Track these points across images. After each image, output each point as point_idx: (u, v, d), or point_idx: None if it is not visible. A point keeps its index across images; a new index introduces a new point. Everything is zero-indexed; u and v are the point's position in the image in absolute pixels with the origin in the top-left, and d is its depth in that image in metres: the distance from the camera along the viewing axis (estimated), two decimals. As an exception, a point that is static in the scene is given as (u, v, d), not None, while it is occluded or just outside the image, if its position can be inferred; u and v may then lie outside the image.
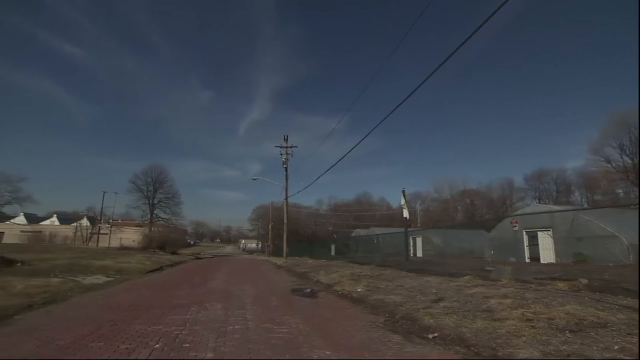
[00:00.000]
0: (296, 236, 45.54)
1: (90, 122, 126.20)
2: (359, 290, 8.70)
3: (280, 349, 3.95)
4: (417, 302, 6.52)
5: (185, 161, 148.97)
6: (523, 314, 4.90)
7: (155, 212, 52.74)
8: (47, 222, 63.84)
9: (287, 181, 30.45)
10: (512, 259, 21.18)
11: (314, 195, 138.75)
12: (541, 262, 20.50)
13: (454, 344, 4.10)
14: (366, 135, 12.91)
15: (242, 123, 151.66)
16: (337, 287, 9.67)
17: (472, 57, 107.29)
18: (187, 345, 4.03)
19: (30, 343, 3.96)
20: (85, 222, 58.04)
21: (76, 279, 9.92)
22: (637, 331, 3.83)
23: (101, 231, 53.89)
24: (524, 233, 22.65)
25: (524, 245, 22.39)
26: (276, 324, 5.25)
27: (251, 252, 65.46)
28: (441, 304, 6.07)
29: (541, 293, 6.35)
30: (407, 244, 17.91)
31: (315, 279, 12.32)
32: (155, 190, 52.82)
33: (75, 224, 58.12)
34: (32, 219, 63.37)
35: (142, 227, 51.84)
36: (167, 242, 39.05)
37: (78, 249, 32.66)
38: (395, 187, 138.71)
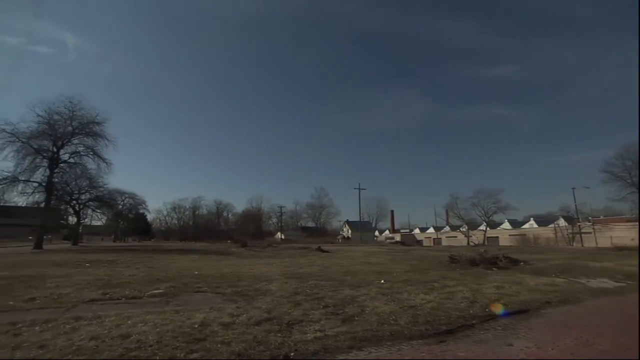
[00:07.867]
0: None
1: (533, 126, 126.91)
2: None
3: None
4: None
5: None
6: None
7: (649, 199, 41.46)
8: (526, 225, 69.84)
9: None
10: None
11: None
12: None
13: None
14: None
15: None
16: None
17: None
18: None
19: (568, 339, 4.18)
20: (562, 222, 57.10)
21: (579, 280, 9.67)
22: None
23: (583, 230, 50.51)
24: None
25: None
26: None
27: None
28: None
29: None
30: None
31: None
32: (641, 172, 41.84)
33: (552, 225, 58.81)
34: (514, 223, 71.96)
35: (633, 221, 42.47)
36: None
37: (563, 249, 32.53)
38: None
